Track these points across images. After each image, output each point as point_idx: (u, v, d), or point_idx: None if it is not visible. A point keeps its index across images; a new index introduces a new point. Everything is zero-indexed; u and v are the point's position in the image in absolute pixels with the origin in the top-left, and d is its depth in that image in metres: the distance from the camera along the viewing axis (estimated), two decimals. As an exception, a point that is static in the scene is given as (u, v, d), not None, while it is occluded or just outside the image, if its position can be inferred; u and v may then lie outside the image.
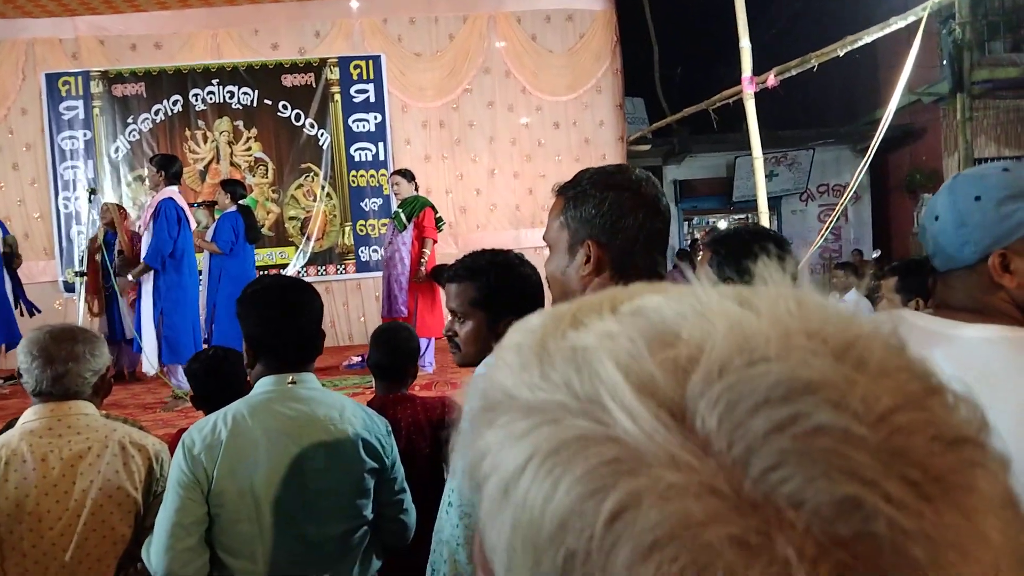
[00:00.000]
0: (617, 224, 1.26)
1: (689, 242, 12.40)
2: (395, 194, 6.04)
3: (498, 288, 1.69)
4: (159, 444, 2.13)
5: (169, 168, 5.36)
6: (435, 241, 5.86)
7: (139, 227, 5.45)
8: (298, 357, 1.86)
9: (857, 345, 0.30)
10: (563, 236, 1.31)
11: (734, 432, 0.27)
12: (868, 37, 5.55)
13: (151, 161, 5.39)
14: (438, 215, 5.94)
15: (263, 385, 1.82)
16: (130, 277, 5.08)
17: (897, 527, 0.26)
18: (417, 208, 5.78)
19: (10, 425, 2.12)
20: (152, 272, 5.23)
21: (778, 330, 0.30)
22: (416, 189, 6.01)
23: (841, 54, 5.70)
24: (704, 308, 0.32)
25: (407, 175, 5.95)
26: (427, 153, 8.52)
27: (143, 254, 5.26)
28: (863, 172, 5.02)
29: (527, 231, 8.55)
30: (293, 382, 1.81)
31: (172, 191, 5.29)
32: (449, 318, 1.77)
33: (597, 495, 0.27)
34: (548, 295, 1.50)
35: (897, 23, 5.43)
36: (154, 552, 1.71)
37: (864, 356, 0.29)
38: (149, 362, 5.33)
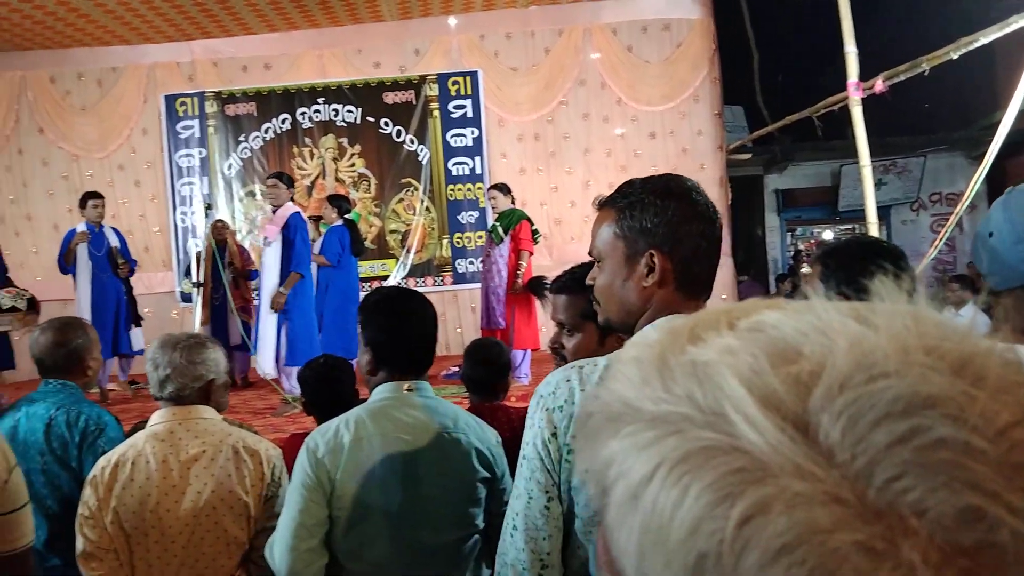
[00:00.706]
0: (679, 232, 1.23)
1: (792, 253, 12.01)
2: (492, 208, 6.13)
3: None
4: (273, 449, 2.21)
5: (292, 184, 5.64)
6: (531, 253, 5.92)
7: (263, 239, 5.71)
8: (415, 365, 1.89)
9: (975, 361, 0.31)
10: (618, 247, 1.27)
11: (857, 445, 0.29)
12: (985, 38, 5.26)
13: (279, 177, 5.61)
14: (534, 227, 5.99)
15: (382, 392, 1.86)
16: (282, 289, 5.29)
17: (1020, 537, 0.27)
18: (514, 221, 5.86)
19: (138, 427, 2.28)
20: (276, 280, 5.42)
21: (896, 346, 0.31)
22: (513, 202, 6.08)
23: (955, 56, 5.44)
24: (823, 325, 0.33)
25: (503, 189, 6.04)
26: (522, 166, 8.60)
27: (276, 261, 5.44)
28: (980, 180, 4.76)
29: (623, 243, 8.49)
30: (410, 389, 1.85)
31: (296, 206, 5.55)
32: (555, 330, 1.77)
33: (726, 502, 0.29)
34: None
35: (1017, 22, 5.14)
36: (278, 552, 1.77)
37: (982, 372, 0.31)
38: (262, 368, 5.55)
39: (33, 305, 5.97)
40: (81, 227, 6.27)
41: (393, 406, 1.82)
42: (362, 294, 6.53)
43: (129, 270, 6.40)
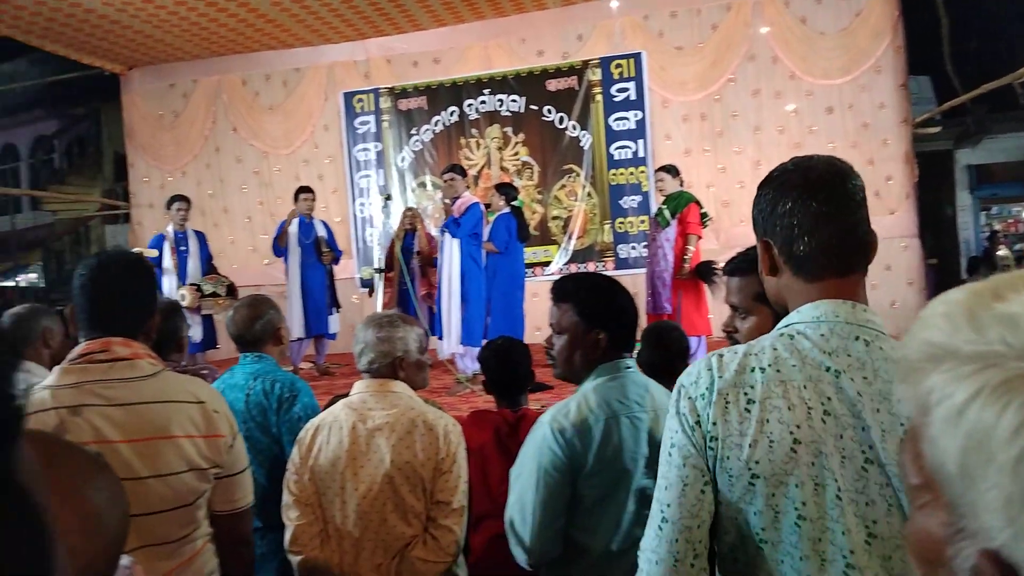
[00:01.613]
0: (772, 217, 1.23)
1: (988, 234, 10.99)
2: (659, 190, 6.04)
3: None
4: (452, 425, 2.30)
5: (466, 174, 5.91)
6: (700, 237, 5.79)
7: (440, 229, 6.05)
8: (626, 344, 1.98)
9: None
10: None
11: None
12: None
13: (454, 170, 5.91)
14: (703, 210, 5.84)
15: (604, 372, 1.93)
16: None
17: None
18: (681, 204, 5.74)
19: (339, 397, 2.49)
20: (460, 265, 5.75)
21: None
22: (681, 184, 5.97)
23: None
24: None
25: (671, 170, 5.93)
26: (688, 147, 8.41)
27: (441, 252, 5.82)
28: None
29: (795, 225, 8.12)
30: (628, 367, 1.92)
31: (473, 196, 5.82)
32: (727, 315, 1.75)
33: None
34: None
35: None
36: (527, 532, 1.85)
37: None
38: (445, 349, 5.82)
39: (232, 291, 6.56)
40: (294, 218, 6.79)
41: (616, 387, 1.89)
42: (527, 280, 6.67)
43: (333, 258, 6.87)
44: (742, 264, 1.71)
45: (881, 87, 7.96)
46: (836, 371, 1.13)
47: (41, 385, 1.66)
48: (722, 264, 1.97)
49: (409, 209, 6.77)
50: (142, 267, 1.83)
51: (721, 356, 1.22)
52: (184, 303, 6.30)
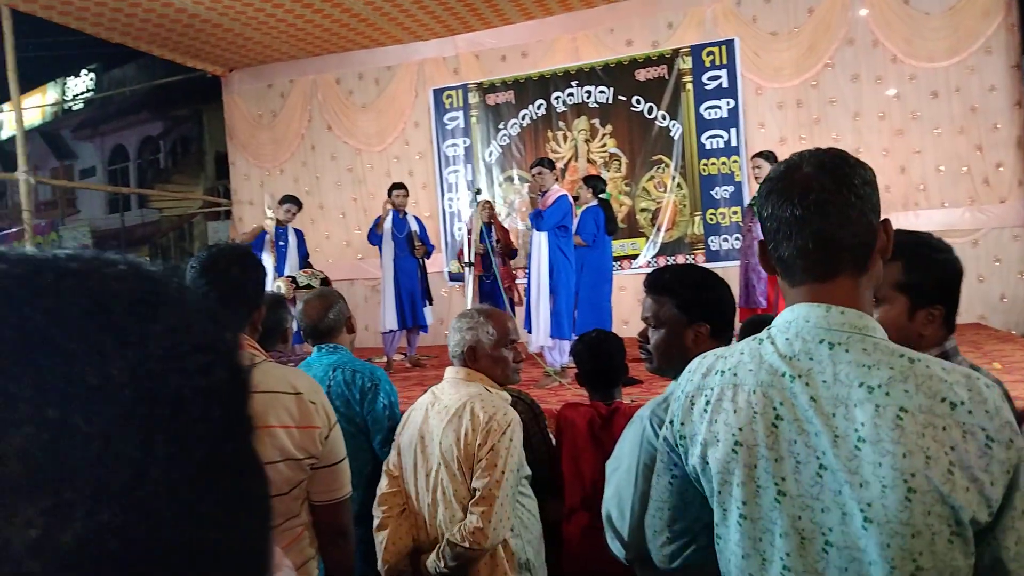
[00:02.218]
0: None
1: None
2: (756, 178, 5.87)
3: (926, 273, 1.57)
4: (501, 416, 2.27)
5: (554, 167, 5.90)
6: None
7: (529, 222, 6.09)
8: (726, 336, 1.94)
9: None
10: None
11: None
12: None
13: (542, 163, 5.91)
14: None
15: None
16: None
17: None
18: (777, 194, 5.58)
19: None
20: (549, 257, 5.76)
21: None
22: None
23: None
24: None
25: (770, 157, 5.74)
26: (782, 135, 8.16)
27: (531, 245, 5.85)
28: None
29: (898, 215, 7.77)
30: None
31: (562, 188, 5.80)
32: None
33: None
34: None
35: None
36: (625, 527, 1.81)
37: None
38: (535, 341, 5.84)
39: (326, 284, 6.73)
40: (388, 214, 6.95)
41: None
42: (615, 274, 6.62)
43: (425, 252, 7.00)
44: None
45: (991, 68, 7.53)
46: (792, 376, 1.13)
47: None
48: None
49: (486, 203, 6.80)
50: (250, 260, 1.90)
51: (701, 358, 1.29)
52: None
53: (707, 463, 1.21)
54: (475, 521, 2.19)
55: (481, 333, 2.40)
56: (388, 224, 6.89)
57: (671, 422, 1.30)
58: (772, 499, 1.13)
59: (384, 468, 2.43)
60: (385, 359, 6.95)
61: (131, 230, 19.78)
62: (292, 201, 7.00)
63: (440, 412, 2.32)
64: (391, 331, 6.86)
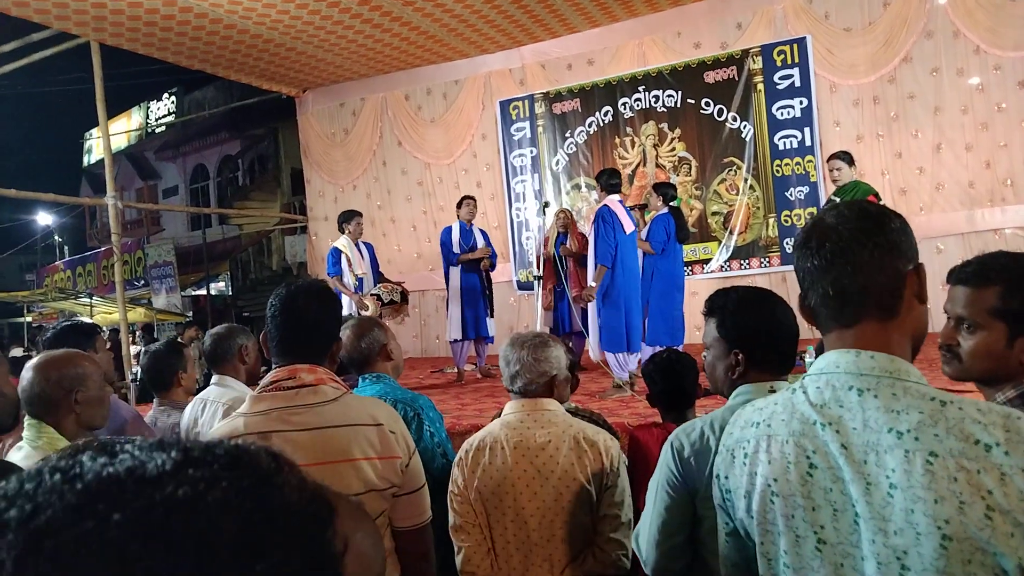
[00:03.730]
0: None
1: None
2: (834, 180, 5.69)
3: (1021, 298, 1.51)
4: (610, 440, 2.32)
5: (609, 180, 5.77)
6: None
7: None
8: (777, 365, 1.85)
9: None
10: None
11: None
12: None
13: (596, 177, 5.88)
14: (881, 202, 5.46)
15: (743, 394, 1.82)
16: (592, 283, 5.57)
17: None
18: (858, 195, 5.38)
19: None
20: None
21: None
22: (856, 173, 5.60)
23: None
24: None
25: (847, 158, 5.55)
26: (859, 133, 7.92)
27: (591, 258, 5.73)
28: None
29: (984, 211, 7.45)
30: (773, 390, 1.78)
31: (610, 200, 5.69)
32: (951, 323, 1.61)
33: None
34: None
35: None
36: (644, 545, 1.85)
37: None
38: (592, 351, 5.81)
39: (404, 297, 6.85)
40: (455, 225, 7.03)
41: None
42: (686, 281, 6.52)
43: (490, 264, 7.05)
44: (978, 273, 1.57)
45: (1085, 54, 7.15)
46: (823, 424, 1.13)
47: (237, 412, 1.81)
48: None
49: (562, 211, 6.79)
50: (327, 296, 1.94)
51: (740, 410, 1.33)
52: (368, 313, 6.64)
53: (751, 516, 1.23)
54: (618, 546, 2.21)
55: (562, 359, 2.39)
56: (456, 235, 6.97)
57: (717, 476, 1.32)
58: (813, 548, 1.13)
59: (458, 520, 2.33)
60: (456, 370, 7.02)
61: (212, 246, 20.49)
62: (358, 215, 7.11)
63: (545, 448, 2.25)
64: (457, 341, 6.92)
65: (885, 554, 1.05)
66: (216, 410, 2.88)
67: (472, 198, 7.19)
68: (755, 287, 1.98)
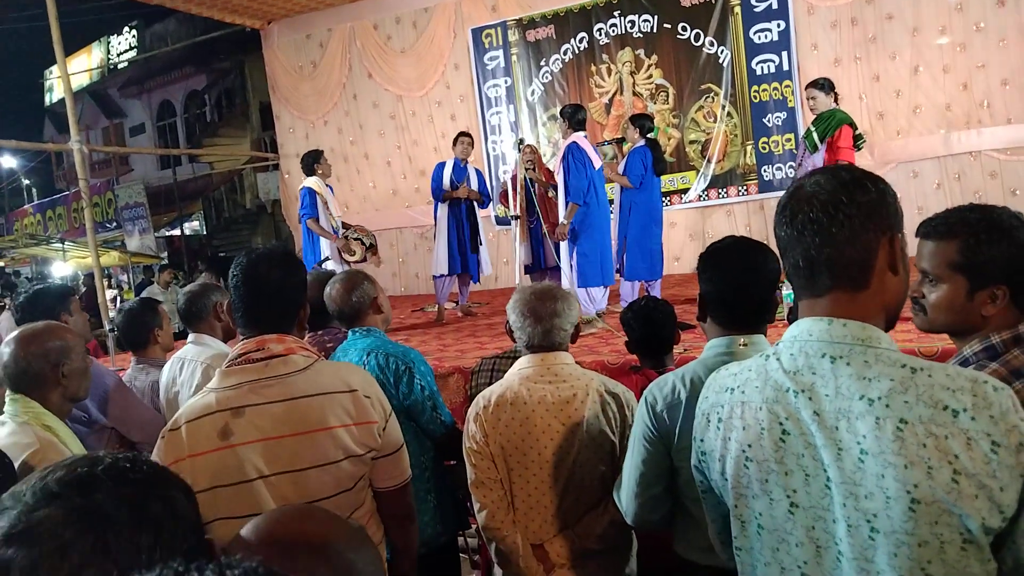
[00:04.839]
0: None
1: None
2: (811, 109, 5.62)
3: (987, 252, 1.51)
4: (627, 392, 2.33)
5: (574, 116, 5.69)
6: (852, 164, 5.36)
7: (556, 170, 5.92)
8: (750, 319, 1.85)
9: None
10: None
11: None
12: None
13: (560, 112, 5.79)
14: (857, 132, 5.39)
15: (715, 347, 1.85)
16: (563, 220, 5.55)
17: None
18: (832, 126, 5.31)
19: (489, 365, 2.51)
20: (562, 210, 5.64)
21: None
22: (836, 100, 5.50)
23: None
24: None
25: (824, 86, 5.45)
26: (836, 56, 7.80)
27: (561, 194, 5.69)
28: None
29: (961, 134, 7.43)
30: (744, 344, 1.81)
31: (576, 136, 5.62)
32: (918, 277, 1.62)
33: None
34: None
35: None
36: (624, 497, 1.89)
37: None
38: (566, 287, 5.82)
39: (375, 245, 6.82)
40: (449, 162, 6.90)
41: (728, 363, 1.81)
42: (664, 211, 6.48)
43: (481, 201, 6.96)
44: (940, 227, 1.57)
45: (1066, -31, 7.04)
46: (795, 391, 1.15)
47: (207, 388, 1.78)
48: None
49: (528, 146, 6.67)
50: (290, 261, 1.89)
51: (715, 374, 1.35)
52: (355, 258, 6.59)
53: (726, 479, 1.26)
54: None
55: (577, 313, 2.38)
56: (448, 172, 6.85)
57: (694, 439, 1.35)
58: (786, 511, 1.17)
59: (479, 475, 2.33)
60: (436, 307, 7.02)
61: (183, 185, 20.10)
62: (321, 153, 6.94)
63: (571, 401, 2.25)
64: (442, 276, 6.88)
65: (855, 517, 1.09)
66: (195, 369, 2.86)
67: (468, 135, 7.03)
68: (755, 244, 1.91)
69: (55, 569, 0.77)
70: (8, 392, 2.08)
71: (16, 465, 1.83)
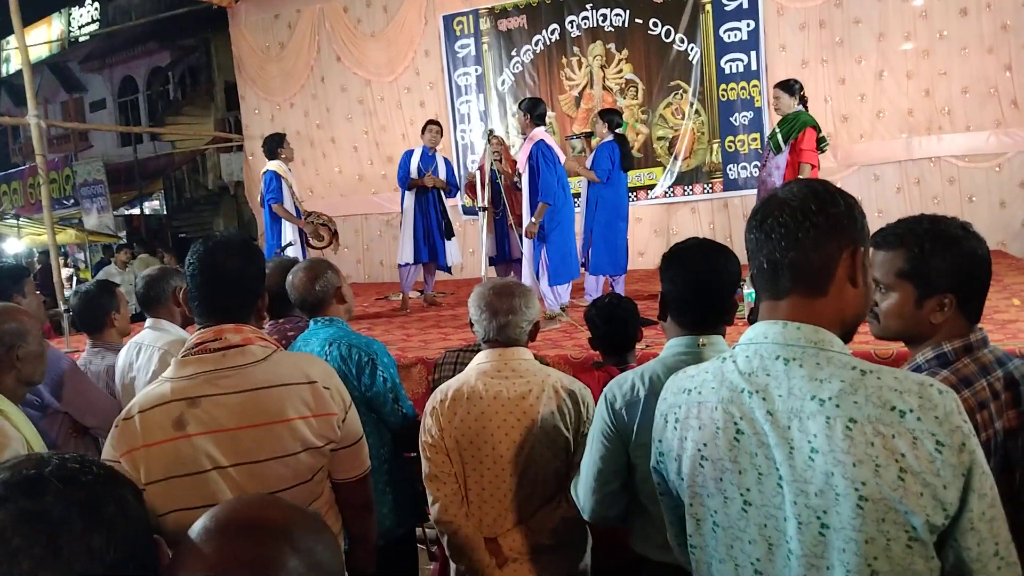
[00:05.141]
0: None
1: None
2: (775, 109, 5.68)
3: (933, 261, 1.55)
4: (584, 389, 2.34)
5: (534, 111, 5.67)
6: (814, 167, 5.39)
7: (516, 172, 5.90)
8: (710, 320, 1.87)
9: None
10: None
11: None
12: None
13: (520, 106, 5.76)
14: (820, 135, 5.46)
15: (675, 346, 1.88)
16: (532, 219, 5.51)
17: None
18: (796, 128, 5.37)
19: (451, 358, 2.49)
20: (528, 208, 5.61)
21: None
22: (801, 103, 5.55)
23: None
24: None
25: (789, 88, 5.49)
26: (804, 58, 7.90)
27: (527, 191, 5.66)
28: None
29: (921, 139, 7.58)
30: (703, 344, 1.83)
31: (540, 132, 5.60)
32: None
33: None
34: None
35: None
36: (582, 492, 1.90)
37: None
38: (527, 282, 5.80)
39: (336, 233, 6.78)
40: (417, 149, 6.84)
41: (688, 362, 1.79)
42: (630, 207, 6.51)
43: (448, 190, 6.91)
44: (889, 237, 1.60)
45: (1027, -19, 7.19)
46: (750, 392, 1.19)
47: (162, 377, 1.74)
48: None
49: (495, 137, 6.66)
50: (248, 250, 1.86)
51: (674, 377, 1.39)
52: (323, 244, 6.52)
53: (682, 478, 1.30)
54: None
55: (536, 310, 2.38)
56: (415, 160, 6.79)
57: (653, 440, 1.39)
58: (739, 509, 1.21)
59: (432, 469, 2.32)
60: (400, 296, 6.98)
61: (144, 163, 19.69)
62: (284, 136, 6.85)
63: (525, 397, 2.25)
64: (407, 264, 6.84)
65: (806, 514, 1.13)
66: (152, 354, 2.81)
67: (436, 123, 6.97)
68: (716, 245, 1.94)
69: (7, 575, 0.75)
70: None
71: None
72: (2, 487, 0.80)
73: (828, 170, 6.94)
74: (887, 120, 7.72)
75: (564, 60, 8.79)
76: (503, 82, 9.06)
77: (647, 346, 4.04)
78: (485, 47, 9.06)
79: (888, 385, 1.10)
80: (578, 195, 6.74)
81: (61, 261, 8.38)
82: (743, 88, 8.13)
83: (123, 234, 15.69)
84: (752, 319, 1.38)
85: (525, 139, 5.72)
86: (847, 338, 1.22)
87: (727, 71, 8.16)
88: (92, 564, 0.79)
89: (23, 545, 0.77)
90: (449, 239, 6.93)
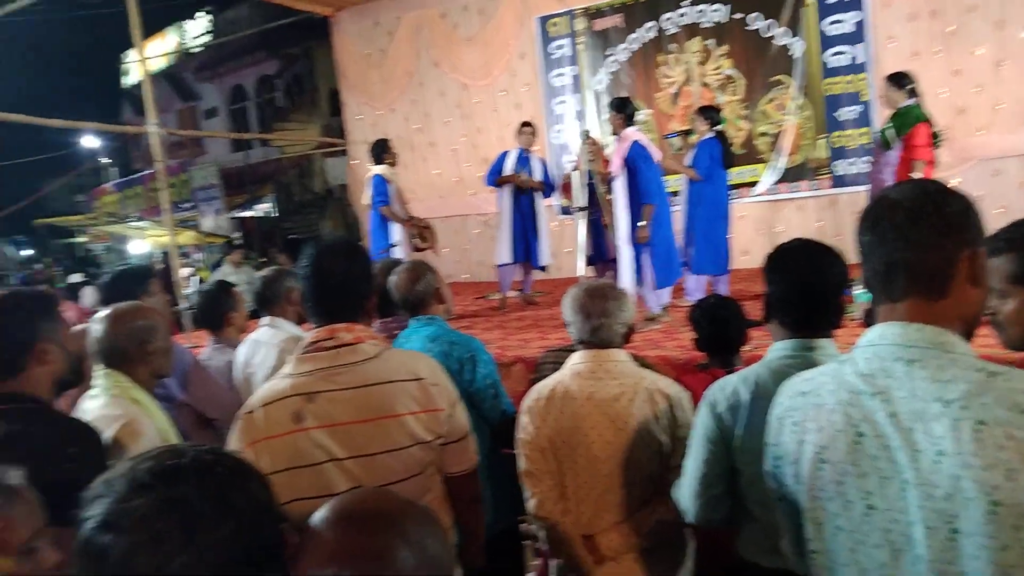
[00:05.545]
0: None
1: None
2: (885, 104, 5.45)
3: None
4: (681, 392, 2.34)
5: (625, 110, 5.60)
6: (928, 163, 5.11)
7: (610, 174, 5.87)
8: (816, 322, 1.83)
9: None
10: None
11: None
12: None
13: (611, 106, 5.72)
14: (935, 129, 5.19)
15: (779, 350, 1.84)
16: (643, 223, 5.42)
17: None
18: (908, 123, 5.13)
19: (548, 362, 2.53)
20: (626, 211, 5.54)
21: None
22: (914, 95, 5.30)
23: None
24: None
25: (899, 81, 5.25)
26: (915, 49, 7.55)
27: (624, 194, 5.60)
28: None
29: (1050, 133, 7.13)
30: (810, 349, 1.80)
31: (634, 132, 5.53)
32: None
33: None
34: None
35: None
36: (686, 496, 1.91)
37: None
38: (625, 284, 5.76)
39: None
40: (512, 151, 6.96)
41: (794, 367, 1.75)
42: (731, 204, 6.38)
43: (542, 190, 7.00)
44: (999, 242, 1.55)
45: None
46: (870, 394, 1.17)
47: (281, 373, 1.86)
48: None
49: (590, 139, 6.64)
50: (354, 253, 1.96)
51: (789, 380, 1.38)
52: (426, 245, 6.74)
53: (800, 482, 1.28)
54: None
55: (631, 312, 2.39)
56: (510, 161, 6.90)
57: (767, 444, 1.38)
58: (862, 513, 1.18)
59: (529, 466, 2.36)
60: (499, 295, 7.07)
61: (255, 168, 20.62)
62: (388, 141, 7.07)
63: (619, 399, 2.27)
64: (505, 264, 6.94)
65: (934, 519, 1.09)
66: (270, 351, 2.97)
67: (530, 124, 7.08)
68: (822, 246, 1.88)
69: (150, 557, 0.83)
70: (100, 367, 2.20)
71: (106, 438, 1.94)
72: (148, 475, 0.88)
73: (944, 165, 6.60)
74: (1007, 112, 7.30)
75: (660, 57, 8.70)
76: (599, 81, 9.03)
77: (754, 348, 3.98)
78: (580, 48, 9.04)
79: (1018, 387, 1.06)
80: (675, 193, 6.67)
81: (181, 261, 8.87)
82: (849, 82, 7.85)
83: (238, 235, 16.49)
84: (869, 322, 1.37)
85: (617, 139, 5.69)
86: (969, 336, 1.19)
87: (831, 65, 7.89)
88: (223, 550, 0.86)
89: (164, 529, 0.84)
90: (535, 239, 6.99)
